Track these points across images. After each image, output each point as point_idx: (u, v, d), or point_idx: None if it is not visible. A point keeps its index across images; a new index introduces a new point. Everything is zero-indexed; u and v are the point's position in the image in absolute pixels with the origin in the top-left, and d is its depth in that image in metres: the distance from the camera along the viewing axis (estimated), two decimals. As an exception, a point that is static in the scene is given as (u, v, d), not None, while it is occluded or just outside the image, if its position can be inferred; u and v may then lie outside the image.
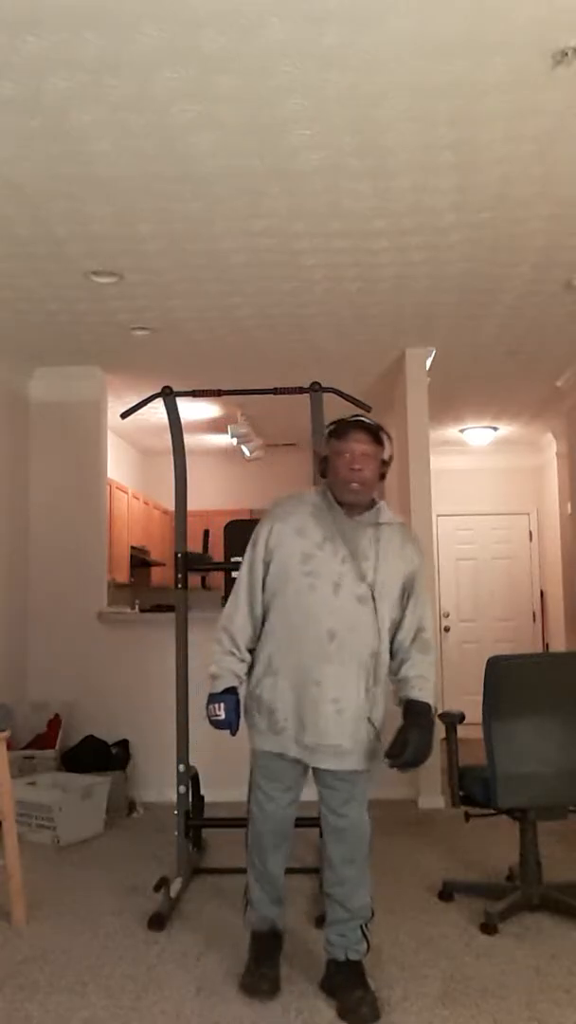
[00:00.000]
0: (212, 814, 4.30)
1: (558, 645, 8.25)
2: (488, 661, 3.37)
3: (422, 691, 2.75)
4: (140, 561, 7.88)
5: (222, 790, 4.65)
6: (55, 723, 5.39)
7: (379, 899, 2.92)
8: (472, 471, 8.95)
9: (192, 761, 3.96)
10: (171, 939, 3.23)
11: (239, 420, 7.24)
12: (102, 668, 5.62)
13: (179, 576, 3.95)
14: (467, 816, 3.60)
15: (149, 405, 4.04)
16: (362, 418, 2.78)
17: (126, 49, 2.64)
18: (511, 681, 3.36)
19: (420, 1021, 2.58)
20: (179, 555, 3.95)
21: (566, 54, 2.68)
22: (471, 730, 3.55)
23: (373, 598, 2.69)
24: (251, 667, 2.82)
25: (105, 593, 5.97)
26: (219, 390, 4.09)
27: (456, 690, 7.49)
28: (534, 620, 8.93)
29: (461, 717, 3.56)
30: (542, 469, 8.81)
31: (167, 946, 3.16)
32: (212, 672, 2.81)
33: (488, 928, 3.23)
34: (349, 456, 2.70)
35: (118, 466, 7.88)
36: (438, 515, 8.39)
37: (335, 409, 3.47)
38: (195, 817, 4.07)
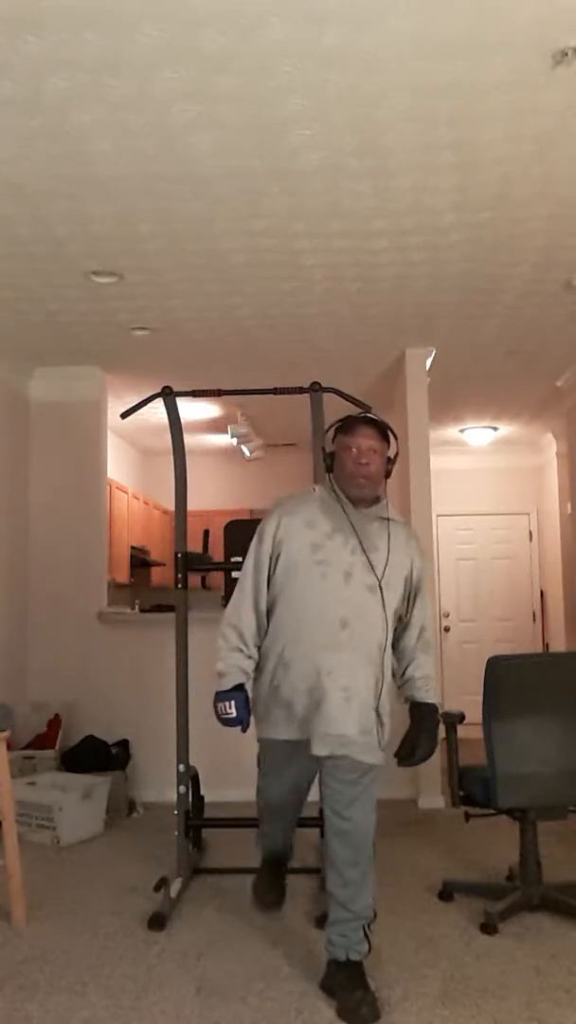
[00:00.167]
0: (212, 814, 4.30)
1: (558, 645, 8.25)
2: (488, 661, 3.37)
3: (428, 692, 2.86)
4: (140, 561, 7.88)
5: (222, 790, 4.65)
6: (55, 723, 5.39)
7: (379, 899, 2.91)
8: (472, 471, 8.95)
9: (192, 761, 3.96)
10: (171, 939, 3.23)
11: (239, 420, 7.24)
12: (102, 668, 5.62)
13: (179, 576, 3.95)
14: (467, 816, 3.60)
15: (149, 405, 4.04)
16: (370, 415, 2.82)
17: (126, 49, 2.64)
18: (511, 681, 3.36)
19: (420, 1021, 2.58)
20: (179, 555, 3.95)
21: (566, 54, 2.68)
22: (471, 730, 3.55)
23: (381, 588, 2.71)
24: (262, 661, 2.82)
25: (105, 593, 5.97)
26: (219, 390, 4.09)
27: (456, 690, 7.48)
28: (534, 620, 8.93)
29: (461, 717, 3.56)
30: (542, 469, 8.81)
31: (167, 946, 3.16)
32: (219, 669, 2.80)
33: (488, 928, 3.23)
34: (356, 451, 2.72)
35: (118, 466, 7.88)
36: (438, 515, 8.38)
37: (335, 409, 3.47)
38: (195, 817, 4.07)
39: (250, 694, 2.83)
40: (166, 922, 3.33)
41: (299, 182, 3.47)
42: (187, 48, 2.63)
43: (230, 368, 5.88)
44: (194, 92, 2.86)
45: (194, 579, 6.26)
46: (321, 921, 3.13)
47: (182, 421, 4.14)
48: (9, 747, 3.62)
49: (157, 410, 4.67)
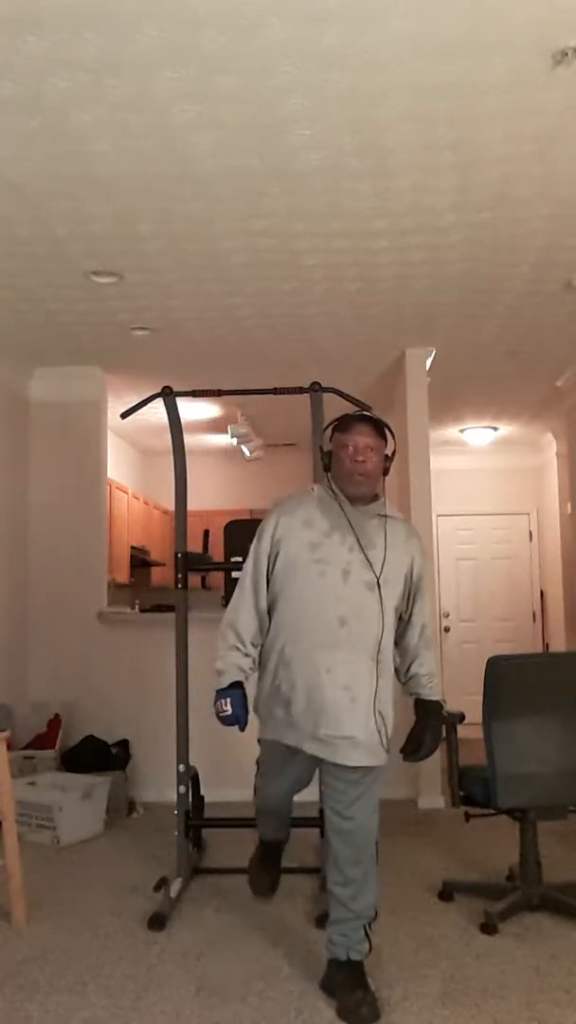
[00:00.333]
0: (212, 814, 4.30)
1: (558, 645, 8.25)
2: (488, 661, 3.37)
3: (431, 689, 2.89)
4: (140, 561, 7.88)
5: (222, 790, 4.65)
6: (55, 723, 5.39)
7: (380, 899, 2.91)
8: (472, 471, 8.95)
9: (192, 761, 3.96)
10: (171, 939, 3.23)
11: (239, 420, 7.24)
12: (102, 668, 5.62)
13: (179, 576, 3.95)
14: (467, 816, 3.60)
15: (149, 405, 4.04)
16: (367, 412, 2.82)
17: (126, 49, 2.64)
18: (511, 681, 3.36)
19: (420, 1021, 2.58)
20: (179, 555, 3.95)
21: (566, 54, 2.68)
22: (471, 730, 3.55)
23: (379, 585, 2.71)
24: (264, 660, 2.82)
25: (105, 593, 5.97)
26: (219, 390, 4.09)
27: (456, 690, 7.47)
28: (534, 620, 8.93)
29: (461, 717, 3.56)
30: (542, 469, 8.81)
31: (167, 946, 3.16)
32: (217, 668, 2.81)
33: (488, 928, 3.23)
34: (352, 448, 2.72)
35: (118, 466, 7.88)
36: (438, 515, 8.38)
37: (335, 409, 3.47)
38: (195, 817, 4.07)
39: (250, 693, 2.83)
40: (166, 922, 3.33)
41: (299, 182, 3.47)
42: (187, 48, 2.63)
43: (230, 368, 5.88)
44: (194, 92, 2.86)
45: (194, 579, 6.27)
46: (321, 921, 3.13)
47: (182, 421, 4.14)
48: (9, 747, 3.62)
49: (157, 410, 4.67)
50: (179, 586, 3.94)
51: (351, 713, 2.67)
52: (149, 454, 8.95)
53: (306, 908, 3.48)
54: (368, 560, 2.71)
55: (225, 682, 2.78)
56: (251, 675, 2.84)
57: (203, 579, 8.13)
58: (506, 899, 3.36)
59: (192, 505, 5.21)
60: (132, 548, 7.60)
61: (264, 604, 2.80)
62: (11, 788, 3.42)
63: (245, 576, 2.83)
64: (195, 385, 4.63)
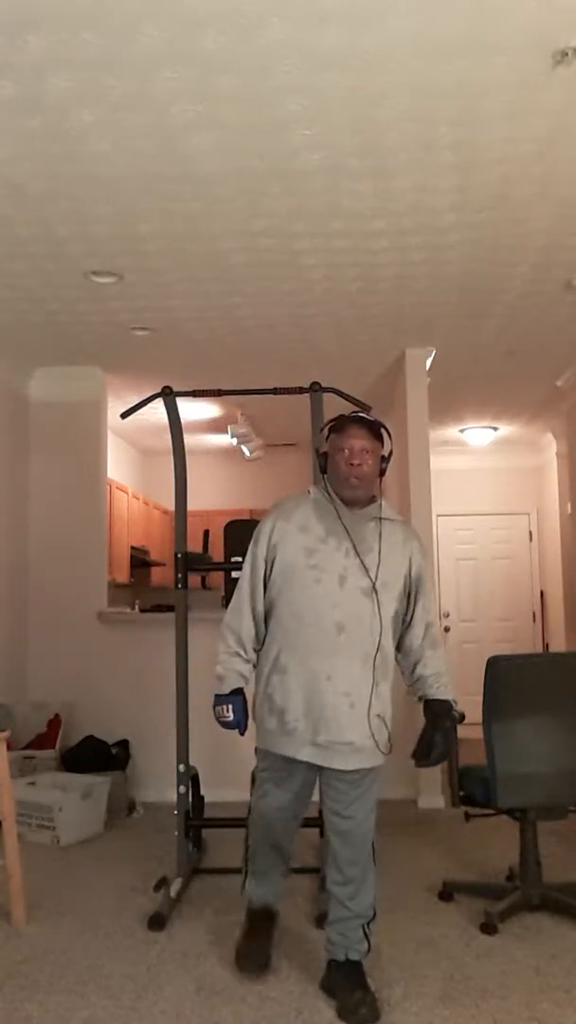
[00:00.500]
0: (212, 814, 4.30)
1: (558, 645, 8.25)
2: (488, 661, 3.37)
3: (440, 688, 2.81)
4: (140, 561, 7.88)
5: (222, 790, 4.65)
6: (55, 723, 5.39)
7: (379, 899, 2.91)
8: (472, 471, 8.95)
9: (192, 761, 3.96)
10: (171, 939, 3.22)
11: (239, 420, 7.24)
12: (102, 668, 5.62)
13: (179, 576, 3.95)
14: (467, 816, 3.60)
15: (149, 405, 4.04)
16: (361, 414, 2.79)
17: (126, 49, 2.63)
18: (511, 681, 3.35)
19: (420, 1021, 2.58)
20: (179, 555, 3.95)
21: (566, 54, 2.68)
22: (471, 730, 3.55)
23: (375, 590, 2.69)
24: (258, 666, 2.81)
25: (105, 593, 5.97)
26: (219, 390, 4.09)
27: (456, 690, 7.44)
28: (534, 620, 8.93)
29: (461, 717, 3.55)
30: (542, 469, 8.81)
31: (167, 946, 3.16)
32: (218, 673, 2.80)
33: (488, 928, 3.23)
34: (348, 452, 2.70)
35: (118, 466, 7.88)
36: (438, 515, 8.38)
37: (335, 409, 3.47)
38: (195, 817, 4.07)
39: (250, 696, 2.82)
40: (166, 922, 3.33)
41: (299, 182, 3.47)
42: (187, 48, 2.63)
43: (230, 368, 5.88)
44: (194, 92, 2.86)
45: (194, 579, 6.27)
46: (320, 921, 3.13)
47: (182, 421, 4.14)
48: (9, 747, 3.62)
49: (157, 410, 4.67)
50: (179, 586, 3.94)
51: (351, 719, 2.66)
52: (149, 454, 8.95)
53: (306, 908, 3.48)
54: (364, 565, 2.69)
55: (226, 688, 2.78)
56: (251, 680, 2.83)
57: (203, 579, 8.13)
58: (506, 899, 3.36)
59: (192, 505, 5.21)
60: (132, 548, 7.60)
61: (261, 608, 2.79)
62: (11, 788, 3.42)
63: (243, 580, 2.82)
64: (195, 385, 4.63)
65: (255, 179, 3.44)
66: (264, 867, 2.94)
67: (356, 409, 2.87)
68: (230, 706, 2.76)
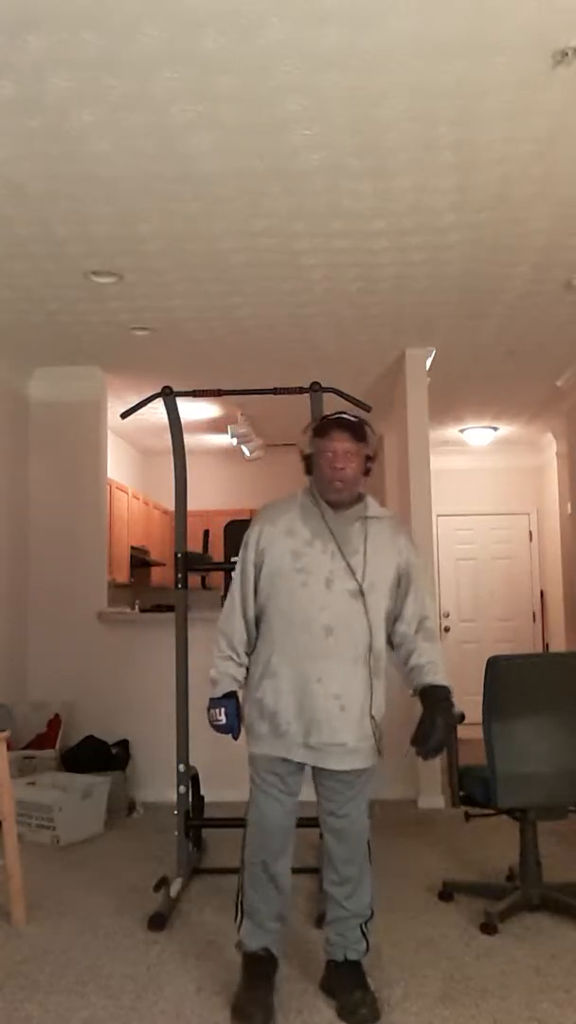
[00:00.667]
0: (212, 814, 4.30)
1: (558, 645, 8.25)
2: (488, 661, 3.37)
3: (436, 675, 2.75)
4: (140, 561, 7.88)
5: (222, 790, 4.64)
6: (55, 723, 5.39)
7: (379, 899, 2.91)
8: (472, 471, 8.95)
9: (192, 761, 3.96)
10: (171, 939, 3.23)
11: (239, 420, 7.24)
12: (102, 668, 5.62)
13: (179, 576, 3.95)
14: (467, 816, 3.60)
15: (149, 405, 4.04)
16: (344, 415, 2.77)
17: (126, 49, 2.63)
18: (511, 681, 3.35)
19: (420, 1021, 2.58)
20: (179, 555, 3.95)
21: (566, 54, 2.68)
22: (471, 730, 3.55)
23: (362, 592, 2.68)
24: (250, 670, 2.80)
25: (105, 593, 5.97)
26: (219, 390, 4.09)
27: (456, 690, 7.44)
28: (534, 620, 8.93)
29: (461, 717, 3.55)
30: (542, 469, 8.81)
31: (167, 946, 3.16)
32: (212, 677, 2.80)
33: (488, 928, 3.23)
34: (331, 455, 2.70)
35: (118, 466, 7.88)
36: (438, 515, 8.38)
37: (335, 409, 3.46)
38: (195, 817, 4.07)
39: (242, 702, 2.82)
40: (166, 922, 3.33)
41: (299, 182, 3.47)
42: (187, 48, 2.63)
43: (230, 368, 5.88)
44: (194, 92, 2.86)
45: (194, 579, 6.26)
46: (320, 921, 3.13)
47: (182, 421, 4.14)
48: (9, 747, 3.62)
49: (157, 410, 4.67)
50: (179, 586, 3.94)
51: (342, 721, 2.66)
52: (149, 454, 8.95)
53: (306, 908, 3.48)
54: (350, 567, 2.69)
55: (219, 692, 2.78)
56: (244, 683, 2.83)
57: (203, 579, 8.12)
58: (506, 899, 3.36)
59: (192, 505, 5.21)
60: (132, 548, 7.60)
61: (252, 613, 2.79)
62: (11, 788, 3.42)
63: (234, 585, 2.82)
64: (195, 385, 4.63)
65: (255, 179, 3.44)
66: (258, 903, 2.75)
67: (342, 411, 2.85)
68: (223, 709, 2.75)
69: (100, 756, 5.21)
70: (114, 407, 6.39)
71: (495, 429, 7.96)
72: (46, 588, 5.80)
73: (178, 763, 3.82)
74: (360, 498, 2.79)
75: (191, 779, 4.01)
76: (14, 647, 5.60)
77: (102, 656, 5.65)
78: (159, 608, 6.34)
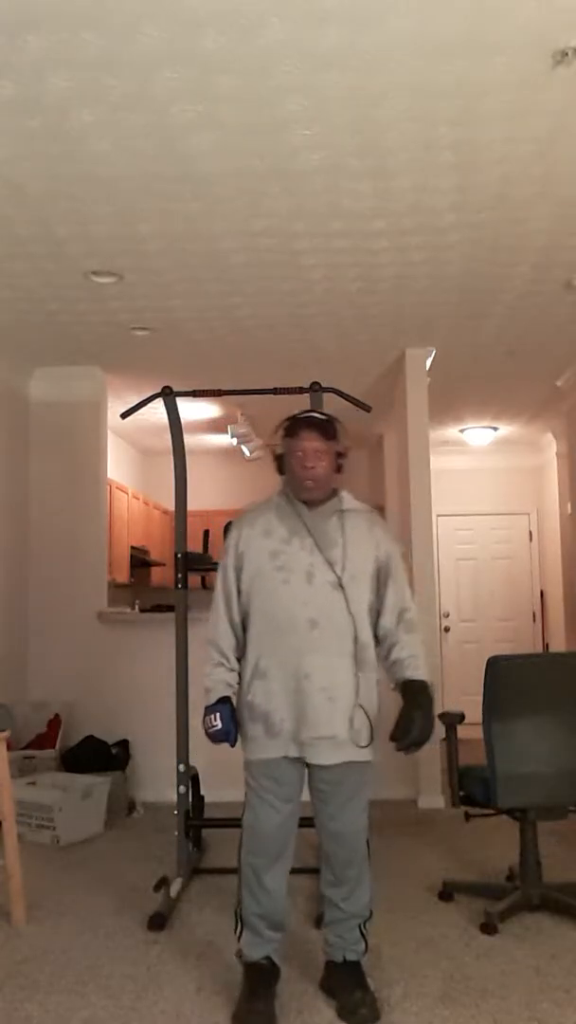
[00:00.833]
0: (212, 814, 4.30)
1: (558, 645, 8.25)
2: (488, 661, 3.37)
3: (416, 670, 2.75)
4: (140, 561, 7.88)
5: (222, 790, 4.64)
6: (55, 723, 5.39)
7: (379, 899, 2.91)
8: (472, 471, 8.96)
9: (192, 761, 3.96)
10: (171, 939, 3.23)
11: (239, 420, 7.24)
12: (102, 668, 5.62)
13: (179, 576, 3.95)
14: (467, 816, 3.60)
15: (149, 405, 4.04)
16: (313, 414, 2.79)
17: (126, 49, 2.64)
18: (511, 681, 3.35)
19: (420, 1021, 2.58)
20: (179, 555, 3.96)
21: (566, 54, 2.68)
22: (471, 730, 3.55)
23: (342, 585, 2.69)
24: (241, 675, 2.79)
25: (105, 593, 5.97)
26: (219, 390, 4.09)
27: (456, 690, 7.47)
28: (534, 620, 8.93)
29: (461, 717, 3.56)
30: (542, 469, 8.81)
31: (167, 946, 3.16)
32: (206, 685, 2.80)
33: (488, 928, 3.23)
34: (301, 454, 2.71)
35: (118, 466, 7.88)
36: (438, 515, 8.38)
37: (335, 409, 3.47)
38: (195, 817, 4.07)
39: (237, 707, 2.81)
40: (166, 922, 3.33)
41: (299, 182, 3.47)
42: (187, 48, 2.63)
43: (230, 368, 5.88)
44: (194, 92, 2.86)
45: (194, 579, 6.26)
46: (319, 921, 3.13)
47: (182, 421, 4.14)
48: (9, 747, 3.62)
49: (157, 410, 4.67)
50: (179, 586, 3.95)
51: (330, 713, 2.65)
52: (149, 454, 8.95)
53: (306, 908, 3.48)
54: (328, 560, 2.70)
55: (213, 698, 2.77)
56: (237, 688, 2.82)
57: (203, 579, 8.10)
58: (506, 899, 3.36)
59: (192, 505, 5.21)
60: (132, 548, 7.60)
61: (237, 618, 2.79)
62: (11, 788, 3.42)
63: (217, 592, 2.83)
64: (195, 385, 4.63)
65: (255, 179, 3.44)
66: (254, 908, 2.72)
67: (310, 409, 2.86)
68: (218, 714, 2.72)
69: (100, 756, 5.21)
70: (114, 407, 6.40)
71: (495, 429, 7.96)
72: (46, 588, 5.80)
73: (178, 763, 3.82)
74: (334, 493, 2.80)
75: (191, 779, 4.01)
76: (14, 647, 5.60)
77: (102, 656, 5.65)
78: (159, 608, 6.34)
